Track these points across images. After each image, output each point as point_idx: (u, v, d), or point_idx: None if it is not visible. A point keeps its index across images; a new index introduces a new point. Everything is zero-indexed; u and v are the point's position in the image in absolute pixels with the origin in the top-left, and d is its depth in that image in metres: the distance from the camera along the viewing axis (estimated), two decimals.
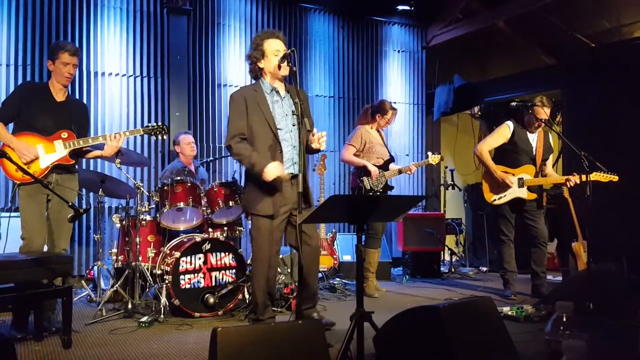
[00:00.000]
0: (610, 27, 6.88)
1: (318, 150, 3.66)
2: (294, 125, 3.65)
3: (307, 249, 3.66)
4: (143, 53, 6.29)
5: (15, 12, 5.68)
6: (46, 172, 3.79)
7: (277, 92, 3.70)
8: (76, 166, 4.06)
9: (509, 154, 5.08)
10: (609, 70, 6.05)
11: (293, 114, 3.64)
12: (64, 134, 3.87)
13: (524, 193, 4.99)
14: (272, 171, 3.45)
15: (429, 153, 5.48)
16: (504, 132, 5.09)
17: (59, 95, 3.97)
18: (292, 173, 3.65)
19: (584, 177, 4.26)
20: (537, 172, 5.05)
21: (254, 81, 3.84)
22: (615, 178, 4.72)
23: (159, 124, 4.24)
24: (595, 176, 4.60)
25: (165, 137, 4.29)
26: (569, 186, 4.88)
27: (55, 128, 3.86)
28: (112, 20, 6.15)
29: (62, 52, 3.87)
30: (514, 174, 5.01)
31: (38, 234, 3.76)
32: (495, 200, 5.06)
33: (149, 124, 4.25)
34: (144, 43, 6.30)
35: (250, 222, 3.75)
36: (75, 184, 4.04)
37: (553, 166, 5.86)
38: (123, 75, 6.19)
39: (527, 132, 5.08)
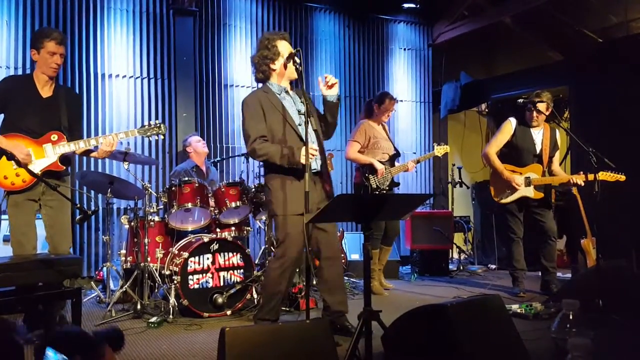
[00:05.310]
0: (618, 22, 6.85)
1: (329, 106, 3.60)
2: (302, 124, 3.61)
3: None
4: (149, 54, 6.32)
5: (22, 15, 5.71)
6: (35, 180, 3.43)
7: (287, 92, 3.69)
8: (69, 169, 3.80)
9: (513, 153, 5.07)
10: (617, 66, 6.01)
11: (300, 114, 3.61)
12: (54, 136, 3.58)
13: (530, 192, 4.97)
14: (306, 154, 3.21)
15: (435, 144, 5.52)
16: (507, 128, 5.09)
17: (45, 90, 3.63)
18: (315, 169, 3.58)
19: (590, 176, 4.23)
20: (544, 171, 5.03)
21: (259, 85, 3.82)
22: (622, 178, 4.67)
23: (156, 122, 3.95)
24: (601, 175, 4.53)
25: (163, 137, 4.02)
26: (572, 184, 4.85)
27: (43, 129, 3.55)
28: (118, 22, 6.18)
29: (48, 41, 3.51)
30: (521, 173, 4.99)
31: (28, 242, 3.54)
32: (502, 198, 5.07)
33: (144, 124, 3.98)
34: (150, 44, 6.33)
35: (275, 222, 3.60)
36: (67, 192, 3.72)
37: (561, 164, 5.84)
38: (130, 77, 6.22)
39: (531, 130, 5.06)
